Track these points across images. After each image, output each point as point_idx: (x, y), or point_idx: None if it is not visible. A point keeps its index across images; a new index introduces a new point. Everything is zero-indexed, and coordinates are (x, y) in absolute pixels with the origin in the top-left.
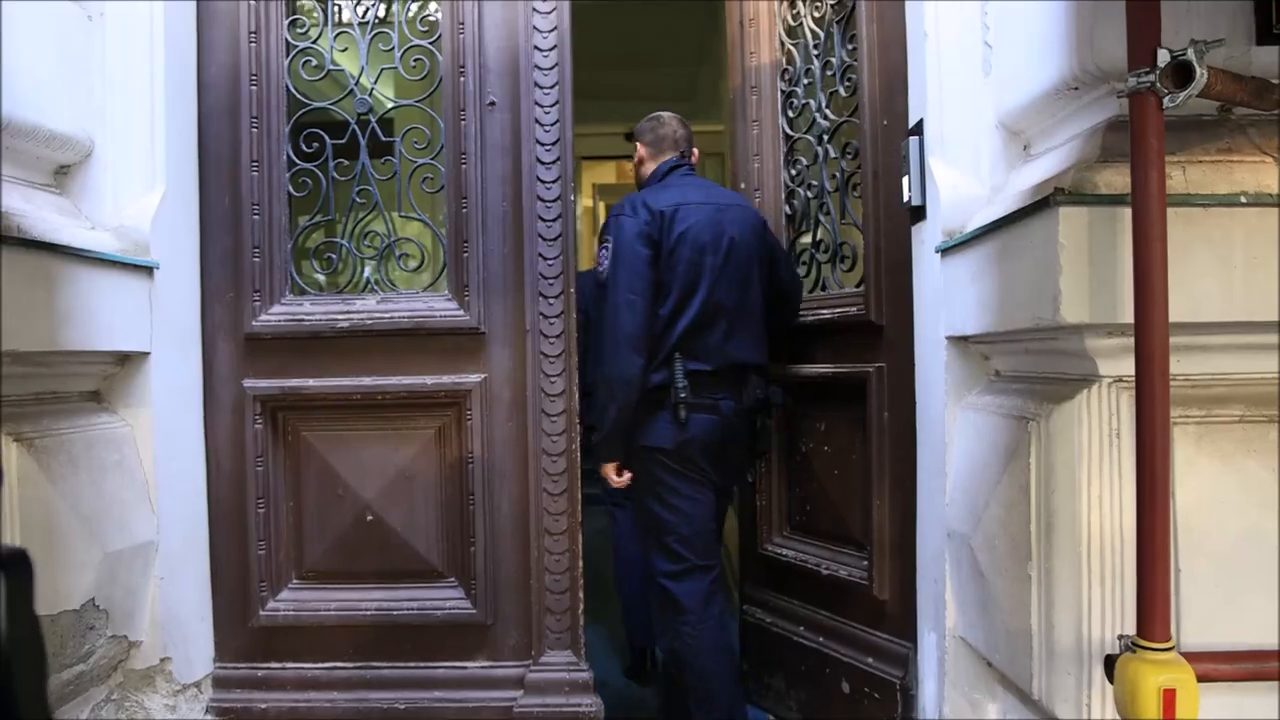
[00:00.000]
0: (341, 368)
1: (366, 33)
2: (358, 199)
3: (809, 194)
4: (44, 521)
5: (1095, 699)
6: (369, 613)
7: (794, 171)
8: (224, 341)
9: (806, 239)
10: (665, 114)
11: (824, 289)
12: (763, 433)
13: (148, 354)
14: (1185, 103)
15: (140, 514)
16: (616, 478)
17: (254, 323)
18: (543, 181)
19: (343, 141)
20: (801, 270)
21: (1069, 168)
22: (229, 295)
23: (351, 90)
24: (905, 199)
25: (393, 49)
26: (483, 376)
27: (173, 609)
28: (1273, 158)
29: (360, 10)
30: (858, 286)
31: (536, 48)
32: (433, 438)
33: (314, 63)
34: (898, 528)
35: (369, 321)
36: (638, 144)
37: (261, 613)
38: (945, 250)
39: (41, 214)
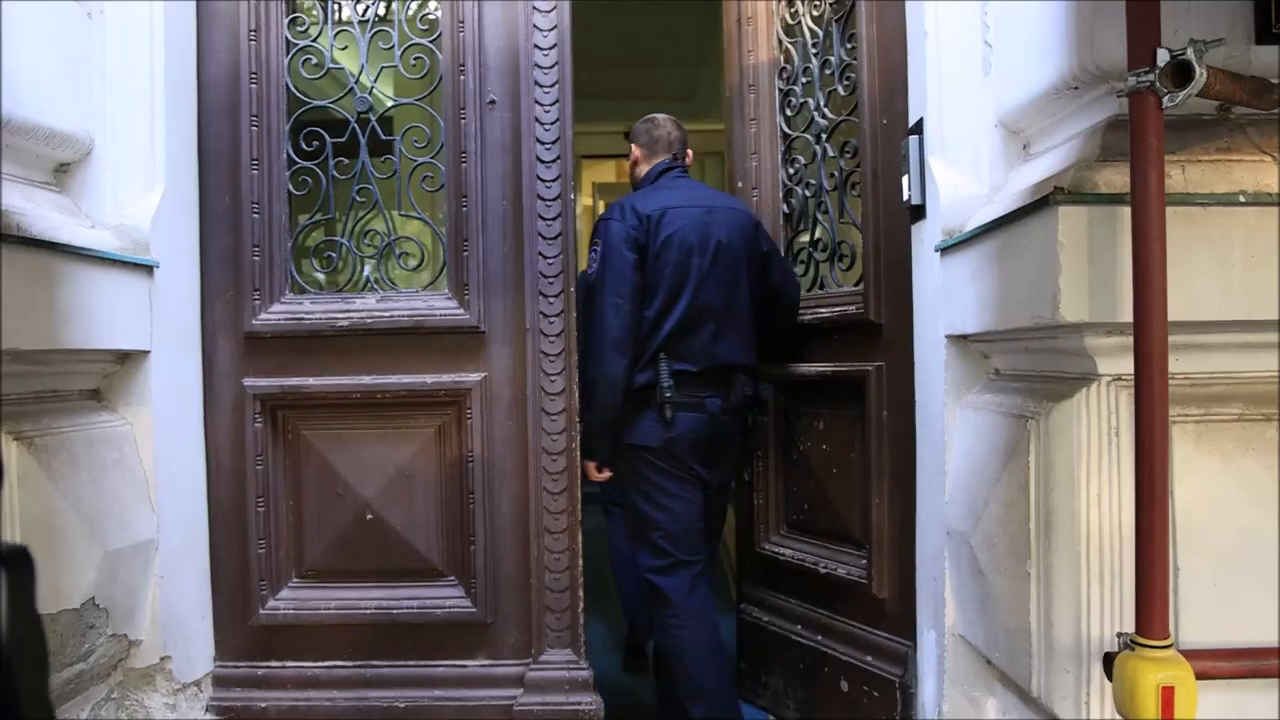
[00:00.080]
0: (341, 366)
1: (366, 31)
2: (358, 197)
3: (807, 193)
4: (44, 520)
5: (1094, 697)
6: (369, 611)
7: (792, 170)
8: (224, 340)
9: (804, 238)
10: (660, 116)
11: (822, 288)
12: (755, 429)
13: (148, 352)
14: (1185, 102)
15: (140, 512)
16: (596, 474)
17: (254, 321)
18: (543, 180)
19: (343, 140)
20: (799, 269)
21: (1069, 167)
22: (229, 294)
23: (351, 89)
24: (905, 198)
25: (393, 47)
26: (483, 375)
27: (173, 608)
28: (1272, 157)
29: (360, 8)
30: (856, 285)
31: (537, 46)
32: (433, 436)
33: (314, 61)
34: (897, 526)
35: (369, 320)
36: (632, 146)
37: (261, 611)
38: (945, 249)
39: (41, 212)
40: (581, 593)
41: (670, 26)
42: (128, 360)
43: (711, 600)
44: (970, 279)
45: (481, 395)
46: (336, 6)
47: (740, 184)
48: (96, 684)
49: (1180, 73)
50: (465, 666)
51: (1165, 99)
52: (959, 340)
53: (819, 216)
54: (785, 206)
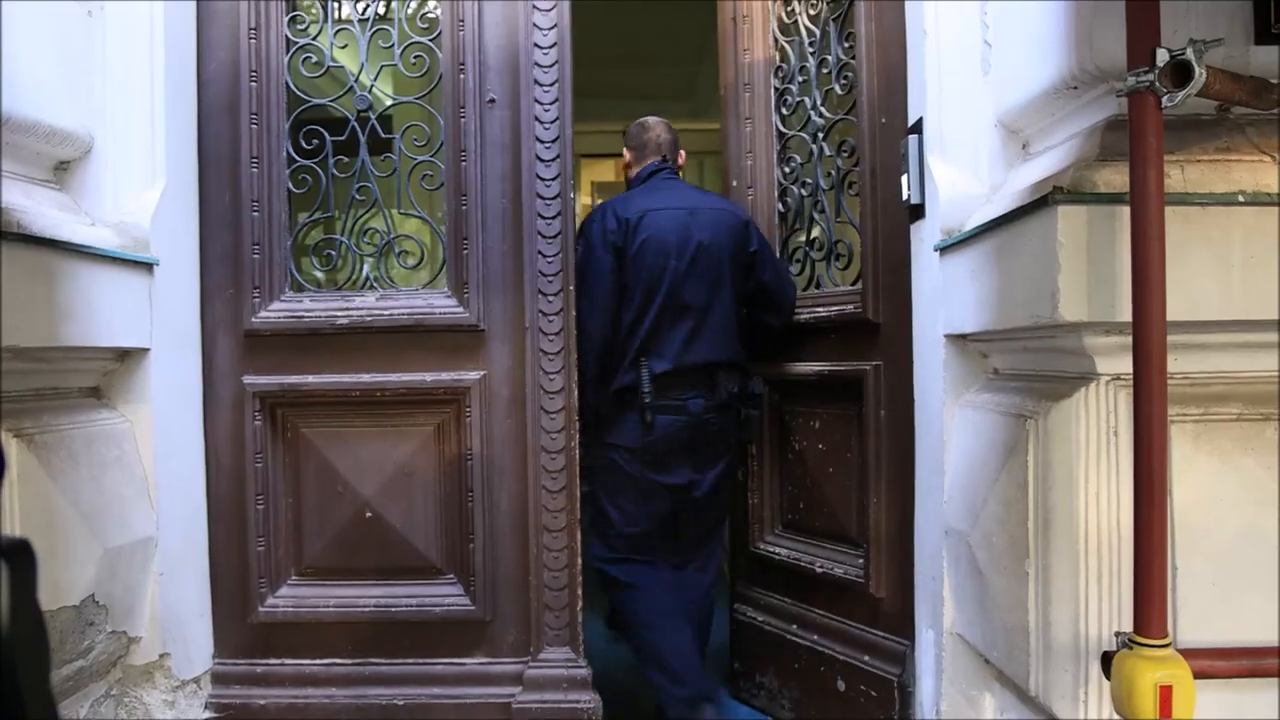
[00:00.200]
0: (341, 364)
1: (366, 29)
2: (357, 196)
3: (803, 192)
4: (44, 517)
5: (1092, 695)
6: (368, 609)
7: (787, 169)
8: (224, 338)
9: (800, 237)
10: (650, 119)
11: (818, 287)
12: (747, 422)
13: (147, 350)
14: (1184, 102)
15: (140, 510)
16: None
17: (254, 319)
18: (542, 179)
19: (342, 138)
20: (795, 268)
21: (1068, 166)
22: (229, 292)
23: (351, 87)
24: (904, 197)
25: (392, 46)
26: (482, 374)
27: (172, 605)
28: (1271, 157)
29: (360, 7)
30: (853, 285)
31: (537, 45)
32: (432, 435)
33: (314, 59)
34: (894, 525)
35: (368, 318)
36: (625, 149)
37: (260, 609)
38: (944, 249)
39: (42, 210)
40: (580, 591)
41: (670, 26)
42: (127, 358)
43: (669, 576)
44: (969, 278)
45: (481, 394)
46: (336, 5)
47: (735, 183)
48: (96, 681)
49: (1179, 73)
50: (464, 664)
51: (1164, 99)
52: (958, 339)
53: (815, 216)
54: (780, 205)
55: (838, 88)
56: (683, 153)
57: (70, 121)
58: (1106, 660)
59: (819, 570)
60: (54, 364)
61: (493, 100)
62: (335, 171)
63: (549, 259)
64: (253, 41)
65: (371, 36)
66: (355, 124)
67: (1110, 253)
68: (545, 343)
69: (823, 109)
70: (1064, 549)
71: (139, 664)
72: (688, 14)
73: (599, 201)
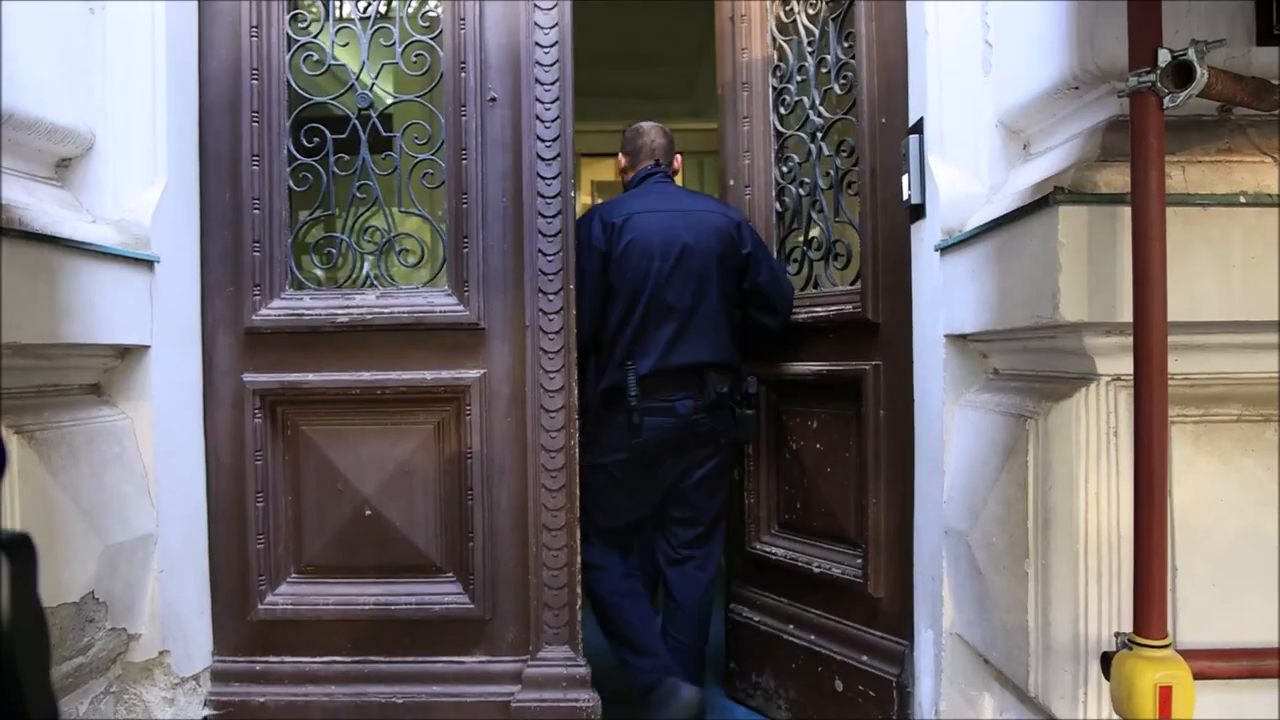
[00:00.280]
0: (341, 362)
1: (367, 28)
2: (358, 194)
3: (801, 191)
4: (45, 513)
5: (1091, 696)
6: (367, 607)
7: (785, 168)
8: (224, 336)
9: (798, 237)
10: (645, 124)
11: (816, 287)
12: (743, 422)
13: (148, 348)
14: (1185, 103)
15: (140, 507)
16: None
17: (254, 317)
18: (543, 178)
19: (343, 136)
20: (792, 268)
21: (1069, 166)
22: (229, 290)
23: (352, 85)
24: (905, 197)
25: (394, 44)
26: (482, 372)
27: (172, 602)
28: (1272, 158)
29: (361, 5)
30: (852, 284)
31: (538, 44)
32: (432, 433)
33: (315, 58)
34: (893, 525)
35: (369, 316)
36: (620, 154)
37: (260, 607)
38: (944, 249)
39: (43, 207)
40: (580, 590)
41: (670, 26)
42: (128, 355)
43: (636, 564)
44: (970, 278)
45: (481, 392)
46: (337, 4)
47: (732, 182)
48: (95, 678)
49: (1181, 73)
50: (463, 663)
51: (1166, 99)
52: (958, 340)
53: (814, 215)
54: (778, 205)
55: (837, 87)
56: (678, 156)
57: (72, 119)
58: (1106, 661)
59: (816, 570)
60: (55, 361)
61: (494, 99)
62: (336, 169)
63: (549, 257)
64: (254, 39)
65: (372, 35)
66: (356, 122)
67: (1111, 253)
68: (545, 341)
69: (821, 108)
70: (1064, 549)
71: (139, 661)
72: (688, 14)
73: (599, 200)
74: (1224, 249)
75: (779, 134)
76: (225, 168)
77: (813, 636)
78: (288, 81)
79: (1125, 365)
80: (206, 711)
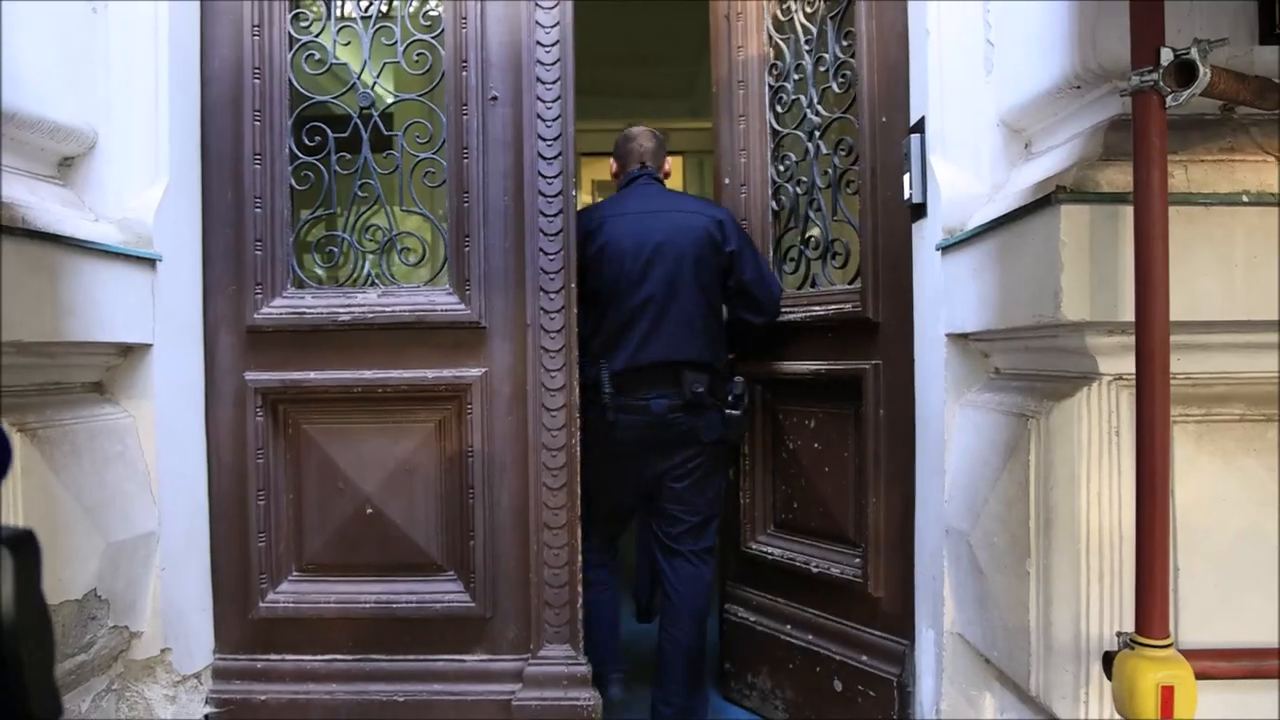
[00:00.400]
0: (342, 361)
1: (369, 27)
2: (359, 193)
3: (798, 190)
4: (47, 511)
5: (1093, 696)
6: (368, 605)
7: (782, 167)
8: (226, 334)
9: (795, 236)
10: (635, 129)
11: (813, 285)
12: (730, 421)
13: (150, 346)
14: (1188, 102)
15: (142, 505)
16: None
17: (255, 315)
18: (544, 177)
19: (345, 135)
20: (789, 267)
21: (1071, 166)
22: (231, 288)
23: (354, 84)
24: (906, 196)
25: (395, 43)
26: (483, 370)
27: (173, 600)
28: (1275, 157)
29: (363, 4)
30: (851, 284)
31: (539, 43)
32: (433, 431)
33: (317, 57)
34: (894, 525)
35: (370, 315)
36: (612, 158)
37: (261, 605)
38: (946, 248)
39: (45, 205)
40: (580, 588)
41: (670, 25)
42: (130, 353)
43: (608, 556)
44: (971, 277)
45: (482, 390)
46: (339, 3)
47: (728, 181)
48: (97, 675)
49: (1184, 72)
50: (464, 661)
51: (1169, 98)
52: (959, 339)
53: (811, 214)
54: (774, 204)
55: (835, 86)
56: (669, 159)
57: (74, 118)
58: (1108, 660)
59: (815, 570)
60: (57, 359)
61: (495, 98)
62: (337, 168)
63: (551, 256)
64: (256, 38)
65: (374, 34)
66: (358, 121)
67: (1113, 252)
68: (547, 340)
69: (819, 107)
70: (1065, 549)
71: (140, 659)
72: (688, 14)
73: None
74: (1226, 248)
75: (775, 132)
76: (227, 166)
77: (810, 636)
78: (289, 80)
79: (1127, 364)
80: (208, 709)
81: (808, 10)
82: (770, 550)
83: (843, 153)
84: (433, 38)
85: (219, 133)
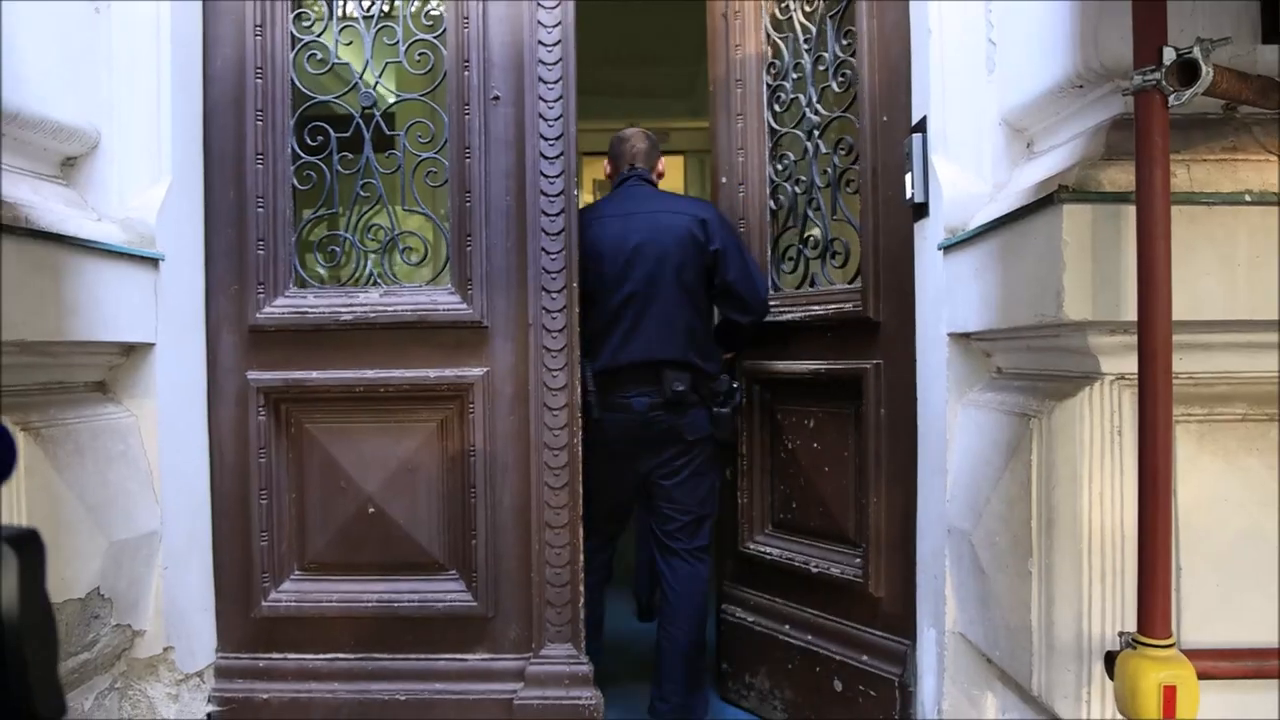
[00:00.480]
0: (344, 360)
1: (371, 27)
2: (361, 192)
3: (796, 189)
4: (50, 510)
5: (1095, 695)
6: (370, 604)
7: (780, 166)
8: (228, 333)
9: (794, 235)
10: (629, 131)
11: (812, 285)
12: (719, 420)
13: (153, 345)
14: (1190, 101)
15: (144, 504)
16: None
17: (258, 315)
18: (546, 176)
19: (347, 135)
20: (788, 266)
21: (1073, 165)
22: (233, 288)
23: (356, 84)
24: (907, 196)
25: (397, 43)
26: (485, 370)
27: (176, 599)
28: (1277, 156)
29: (365, 4)
30: (851, 283)
31: (541, 43)
32: (435, 430)
33: (319, 56)
34: (895, 525)
35: (372, 314)
36: (606, 160)
37: (263, 603)
38: (948, 247)
39: (48, 205)
40: (582, 588)
41: (671, 25)
42: (133, 353)
43: (597, 548)
44: (973, 277)
45: (484, 390)
46: (341, 2)
47: (725, 179)
48: (100, 674)
49: (1186, 71)
50: (466, 660)
51: (1171, 98)
52: (961, 338)
53: (810, 214)
54: (772, 203)
55: (835, 85)
56: (663, 160)
57: (77, 117)
58: (1110, 660)
59: (814, 570)
60: (60, 358)
61: (497, 97)
62: (340, 168)
63: (553, 255)
64: (258, 38)
65: (376, 34)
66: (360, 121)
67: (1115, 252)
68: (549, 339)
69: (819, 106)
70: (1067, 548)
71: (143, 657)
72: (688, 14)
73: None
74: (1228, 248)
75: (773, 131)
76: (229, 166)
77: (810, 636)
78: (291, 80)
79: (1129, 364)
80: (210, 708)
81: (807, 9)
82: (769, 550)
83: (842, 152)
84: (435, 37)
85: (221, 132)
